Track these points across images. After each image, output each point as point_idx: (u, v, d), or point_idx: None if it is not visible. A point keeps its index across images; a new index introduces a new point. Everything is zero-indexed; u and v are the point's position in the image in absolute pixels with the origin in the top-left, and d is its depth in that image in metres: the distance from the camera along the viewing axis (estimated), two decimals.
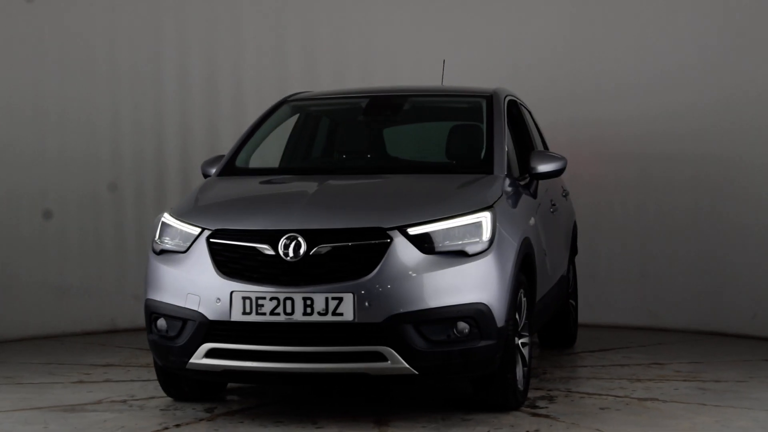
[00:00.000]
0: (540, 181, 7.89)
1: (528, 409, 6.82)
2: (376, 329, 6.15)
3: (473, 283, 6.32)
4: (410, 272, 6.21)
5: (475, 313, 6.30)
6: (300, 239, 6.24)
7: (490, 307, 6.35)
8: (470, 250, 6.36)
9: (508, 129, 7.75)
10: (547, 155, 7.55)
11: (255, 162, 7.80)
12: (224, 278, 6.30)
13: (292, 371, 6.28)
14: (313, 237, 6.25)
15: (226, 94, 10.85)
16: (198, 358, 6.38)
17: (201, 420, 6.60)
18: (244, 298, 6.24)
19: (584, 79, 10.66)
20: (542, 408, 6.88)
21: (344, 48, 11.03)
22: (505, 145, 7.36)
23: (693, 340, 9.78)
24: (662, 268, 10.50)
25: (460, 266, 6.30)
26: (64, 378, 8.01)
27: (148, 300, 6.65)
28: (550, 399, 7.17)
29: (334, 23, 11.07)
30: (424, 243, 6.28)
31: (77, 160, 10.31)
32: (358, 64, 10.97)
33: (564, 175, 8.00)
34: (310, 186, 6.91)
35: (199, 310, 6.32)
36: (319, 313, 6.16)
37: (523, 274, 6.93)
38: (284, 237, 6.26)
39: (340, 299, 6.15)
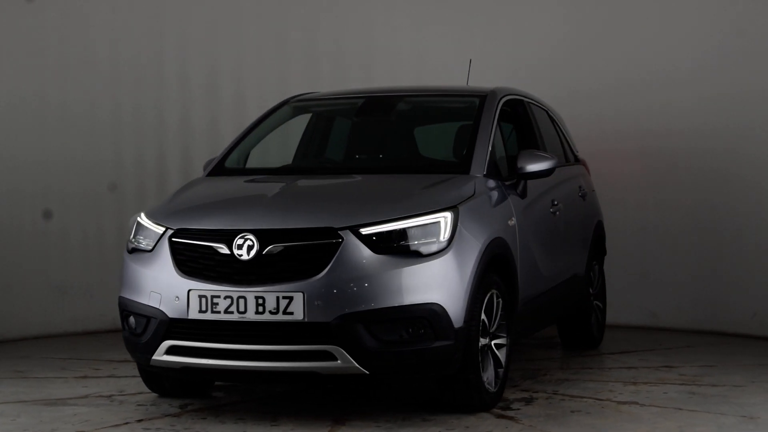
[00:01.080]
0: (540, 181, 7.83)
1: (497, 411, 6.78)
2: (325, 329, 6.20)
3: (427, 284, 6.31)
4: (361, 272, 6.23)
5: (429, 314, 6.30)
6: (253, 239, 6.32)
7: (445, 308, 6.33)
8: (425, 250, 6.36)
9: (500, 129, 7.72)
10: (535, 155, 7.49)
11: (256, 162, 7.90)
12: (183, 277, 6.43)
13: (246, 369, 6.37)
14: (265, 237, 6.33)
15: (227, 94, 10.91)
16: (159, 355, 6.52)
17: (166, 416, 6.74)
18: (200, 297, 6.36)
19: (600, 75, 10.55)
20: (513, 410, 6.83)
21: (345, 48, 11.05)
22: (489, 145, 7.33)
23: (725, 343, 9.57)
24: (662, 267, 10.36)
25: (413, 266, 6.30)
26: (72, 373, 8.23)
27: (120, 298, 6.83)
28: (528, 401, 7.12)
29: (334, 23, 11.08)
30: (376, 243, 6.30)
31: (78, 160, 10.35)
32: (358, 64, 10.98)
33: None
34: (277, 186, 7.00)
35: (161, 308, 6.47)
36: (271, 312, 6.23)
37: (496, 274, 6.90)
38: (238, 237, 6.36)
39: (291, 298, 6.21)
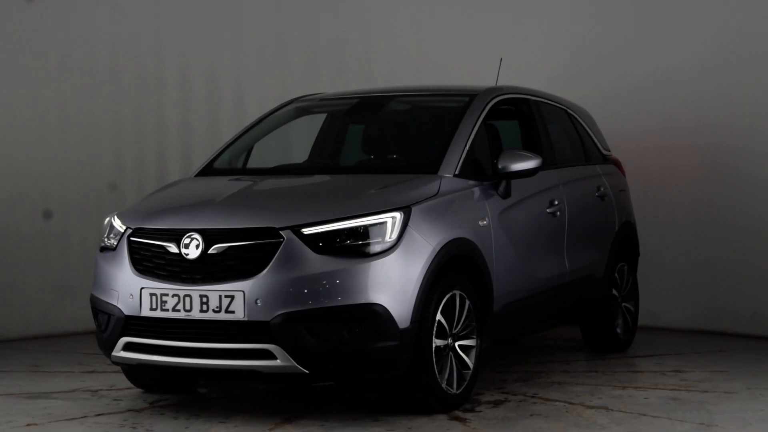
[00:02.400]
0: (536, 180, 7.75)
1: (458, 413, 6.72)
2: (265, 327, 6.26)
3: (368, 284, 6.31)
4: (301, 271, 6.27)
5: (369, 314, 6.30)
6: (199, 238, 6.43)
7: (388, 308, 6.32)
8: (369, 250, 6.36)
9: (491, 129, 7.67)
10: (517, 155, 7.39)
11: (258, 162, 7.99)
12: (137, 275, 6.58)
13: (191, 366, 6.49)
14: (210, 236, 6.43)
15: (227, 94, 10.95)
16: (118, 351, 6.69)
17: (128, 411, 6.91)
18: (151, 295, 6.50)
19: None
20: (475, 412, 6.76)
21: (345, 48, 11.03)
22: (465, 145, 7.27)
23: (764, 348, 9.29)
24: (661, 267, 10.16)
25: (354, 266, 6.31)
26: (82, 368, 8.46)
27: (91, 295, 7.02)
28: (498, 403, 7.03)
29: (334, 23, 11.06)
30: (318, 243, 6.33)
31: (78, 160, 10.41)
32: (358, 64, 10.94)
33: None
34: (238, 186, 7.08)
35: (118, 305, 6.64)
36: (214, 311, 6.34)
37: (462, 275, 6.85)
38: (185, 236, 6.48)
39: (232, 297, 6.30)
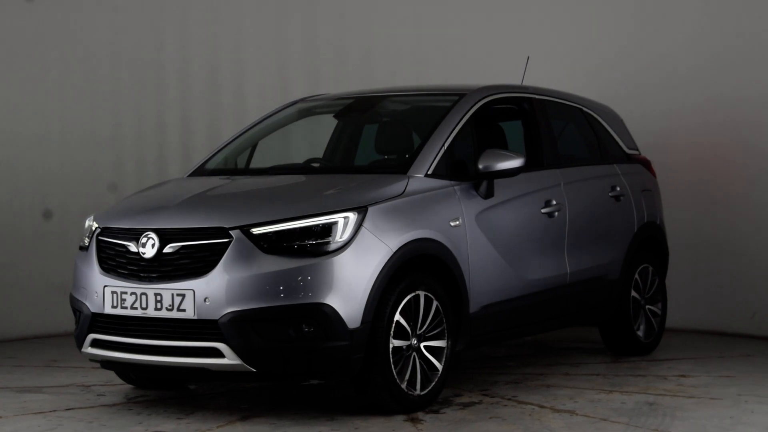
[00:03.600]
0: (529, 180, 7.72)
1: (419, 414, 6.69)
2: (213, 326, 6.35)
3: (316, 284, 6.33)
4: (249, 271, 6.34)
5: (317, 314, 6.32)
6: (155, 238, 6.55)
7: (336, 308, 6.33)
8: (318, 250, 6.38)
9: (476, 129, 7.63)
10: (499, 154, 7.31)
11: (260, 162, 8.08)
12: (102, 273, 6.75)
13: (146, 363, 6.63)
14: (165, 236, 6.55)
15: (227, 94, 10.97)
16: (86, 348, 6.87)
17: (102, 406, 7.09)
18: (113, 293, 6.66)
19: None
20: (437, 413, 6.71)
21: (345, 47, 10.97)
22: (443, 145, 7.23)
23: None
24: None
25: (302, 266, 6.34)
26: (94, 365, 8.63)
27: (70, 294, 7.21)
28: (467, 405, 6.97)
29: (334, 23, 11.01)
30: (267, 242, 6.38)
31: (78, 160, 10.42)
32: (358, 63, 10.88)
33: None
34: (206, 186, 7.18)
35: (86, 303, 6.82)
36: (167, 309, 6.45)
37: (429, 276, 6.82)
38: (143, 235, 6.61)
39: (183, 296, 6.41)
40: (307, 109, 8.41)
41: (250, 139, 8.16)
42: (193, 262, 6.44)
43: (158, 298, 6.48)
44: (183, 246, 6.49)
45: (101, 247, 6.85)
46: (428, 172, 7.08)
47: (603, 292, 8.48)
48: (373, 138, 7.77)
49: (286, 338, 6.33)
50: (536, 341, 9.65)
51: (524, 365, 8.46)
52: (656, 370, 8.25)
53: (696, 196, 10.03)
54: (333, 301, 6.34)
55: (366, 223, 6.51)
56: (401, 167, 7.09)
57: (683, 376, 7.94)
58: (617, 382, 7.72)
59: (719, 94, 9.86)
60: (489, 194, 7.36)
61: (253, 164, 7.99)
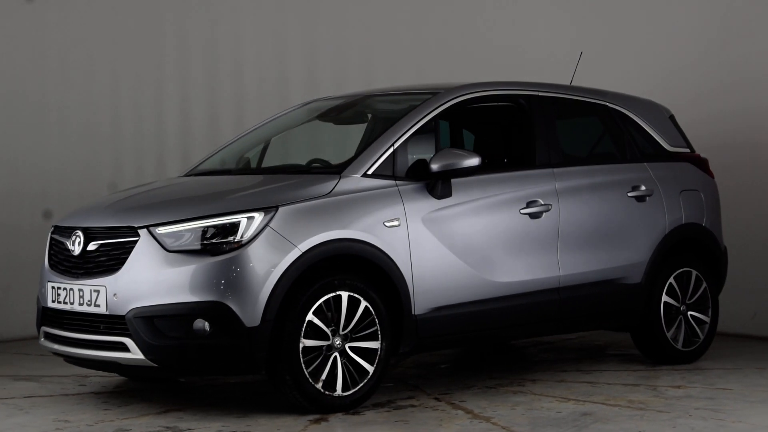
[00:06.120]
0: (511, 180, 7.59)
1: (334, 415, 6.68)
2: (121, 321, 6.62)
3: (213, 282, 6.46)
4: (152, 269, 6.56)
5: (212, 312, 6.46)
6: (81, 236, 6.89)
7: (231, 306, 6.45)
8: (219, 249, 6.52)
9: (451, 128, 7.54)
10: (453, 153, 7.18)
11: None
12: (49, 269, 7.16)
13: (71, 355, 7.02)
14: (89, 234, 6.88)
15: (227, 94, 10.92)
16: (41, 340, 7.28)
17: (61, 395, 7.48)
18: (52, 288, 7.05)
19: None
20: (352, 415, 6.69)
21: (345, 47, 10.80)
22: (392, 145, 7.18)
23: None
24: None
25: (200, 264, 6.49)
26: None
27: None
28: (395, 408, 6.90)
29: (334, 23, 10.84)
30: (169, 241, 6.58)
31: (78, 160, 10.45)
32: (358, 64, 10.71)
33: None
34: (163, 185, 7.45)
35: (39, 297, 7.24)
36: (87, 304, 6.78)
37: (356, 276, 6.82)
38: (73, 234, 6.96)
39: (99, 291, 6.71)
40: (308, 110, 8.49)
41: (250, 141, 8.33)
42: (109, 260, 6.72)
43: (81, 293, 6.80)
44: (102, 244, 6.79)
45: (51, 245, 7.24)
46: (367, 172, 7.04)
47: (618, 296, 8.11)
48: (343, 138, 7.81)
49: (183, 335, 6.50)
50: (566, 345, 9.46)
51: (531, 369, 8.25)
52: (650, 380, 7.80)
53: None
54: (228, 299, 6.45)
55: (273, 223, 6.58)
56: (338, 167, 7.09)
57: (677, 387, 7.53)
58: (592, 392, 7.35)
59: None
60: (445, 194, 7.23)
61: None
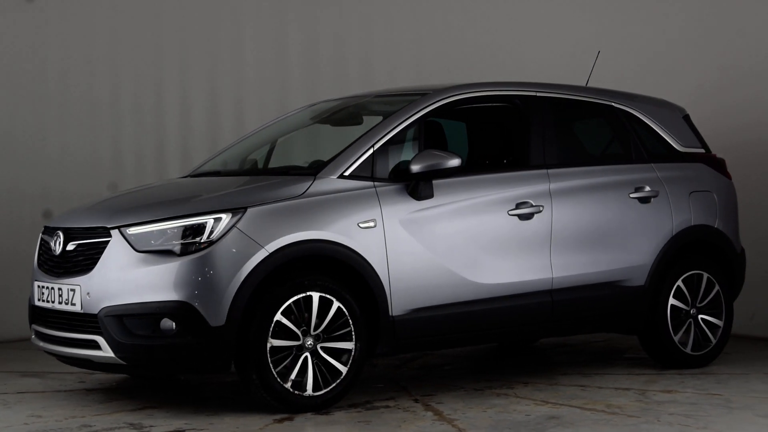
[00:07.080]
0: (506, 181, 7.58)
1: (302, 415, 6.72)
2: (93, 320, 6.77)
3: (178, 282, 6.56)
4: (121, 269, 6.70)
5: (177, 311, 6.56)
6: (61, 236, 7.06)
7: (195, 306, 6.54)
8: (183, 250, 6.62)
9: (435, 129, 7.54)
10: (432, 155, 7.16)
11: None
12: (37, 269, 7.34)
13: (53, 353, 7.17)
14: (68, 235, 7.05)
15: (227, 94, 10.85)
16: (32, 337, 7.47)
17: (53, 391, 7.67)
18: (38, 287, 7.24)
19: None
20: (320, 415, 6.71)
21: (345, 48, 10.73)
22: (371, 146, 7.20)
23: None
24: None
25: (166, 265, 6.60)
26: None
27: None
28: (366, 409, 6.90)
29: (334, 23, 10.74)
30: (138, 242, 6.70)
31: (78, 160, 10.46)
32: (358, 64, 10.60)
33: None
34: (152, 186, 7.60)
35: (30, 296, 7.44)
36: (65, 303, 6.95)
37: (329, 277, 6.85)
38: (54, 234, 7.13)
39: (74, 290, 6.87)
40: (311, 112, 8.54)
41: (249, 142, 8.42)
42: (85, 260, 6.88)
43: (60, 292, 6.97)
44: (79, 244, 6.95)
45: (40, 245, 7.43)
46: (344, 174, 7.07)
47: (619, 299, 7.98)
48: (335, 141, 7.82)
49: (150, 334, 6.62)
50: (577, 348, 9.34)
51: (536, 372, 8.18)
52: (643, 384, 7.63)
53: None
54: (193, 299, 6.55)
55: (241, 224, 6.65)
56: (314, 169, 7.13)
57: (666, 391, 7.36)
58: (579, 395, 7.26)
59: None
60: (426, 195, 7.21)
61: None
